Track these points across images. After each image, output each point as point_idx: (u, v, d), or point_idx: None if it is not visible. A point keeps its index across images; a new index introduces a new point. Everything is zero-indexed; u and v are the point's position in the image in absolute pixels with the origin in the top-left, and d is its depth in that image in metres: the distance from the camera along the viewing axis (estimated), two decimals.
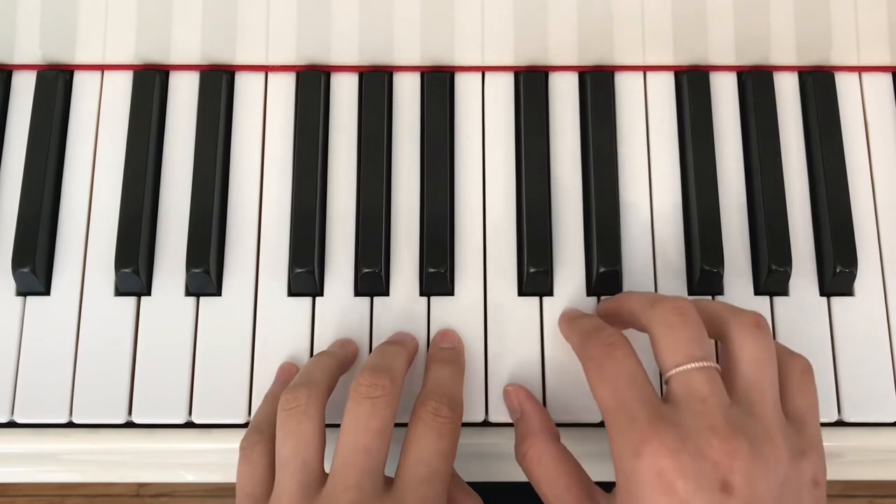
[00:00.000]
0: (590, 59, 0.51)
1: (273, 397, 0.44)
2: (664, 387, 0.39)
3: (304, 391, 0.41)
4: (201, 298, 0.48)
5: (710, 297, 0.48)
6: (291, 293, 0.48)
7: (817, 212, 0.49)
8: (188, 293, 0.48)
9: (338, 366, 0.44)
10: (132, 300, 0.47)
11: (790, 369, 0.40)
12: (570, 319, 0.46)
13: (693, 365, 0.38)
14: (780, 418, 0.38)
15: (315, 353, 0.47)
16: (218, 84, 0.50)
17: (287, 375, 0.46)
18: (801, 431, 0.39)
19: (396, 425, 0.40)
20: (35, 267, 0.47)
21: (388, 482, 0.40)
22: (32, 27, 0.50)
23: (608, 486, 0.40)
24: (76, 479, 0.48)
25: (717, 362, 0.39)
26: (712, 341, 0.41)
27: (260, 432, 0.43)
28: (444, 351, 0.46)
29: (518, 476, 0.45)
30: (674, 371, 0.38)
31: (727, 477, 0.35)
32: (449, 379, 0.44)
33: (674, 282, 0.48)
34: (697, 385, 0.37)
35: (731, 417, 0.37)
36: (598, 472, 0.42)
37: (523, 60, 0.51)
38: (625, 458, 0.37)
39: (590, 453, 0.44)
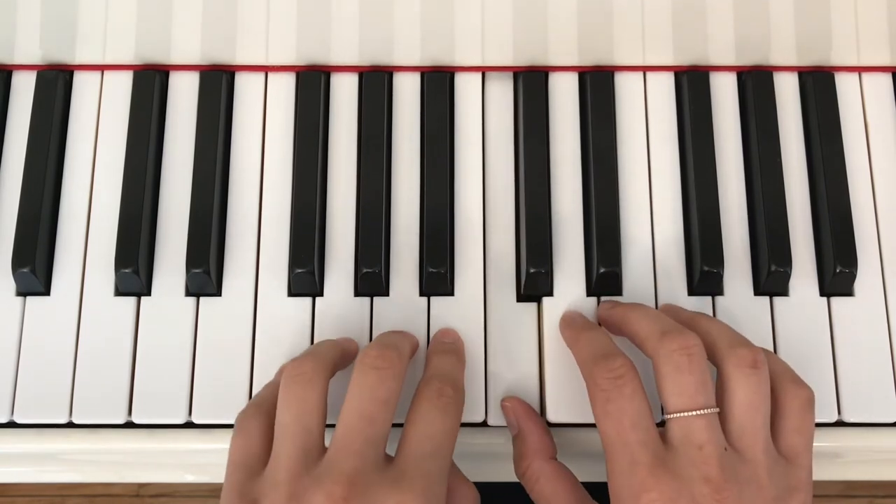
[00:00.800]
0: (590, 60, 0.51)
1: (274, 384, 0.44)
2: (664, 420, 0.40)
3: (310, 360, 0.41)
4: (201, 298, 0.48)
5: (709, 298, 0.48)
6: (291, 293, 0.48)
7: (817, 212, 0.49)
8: (188, 293, 0.48)
9: (341, 352, 0.44)
10: (132, 300, 0.47)
11: (790, 403, 0.41)
12: (573, 327, 0.46)
13: (694, 413, 0.39)
14: (771, 458, 0.40)
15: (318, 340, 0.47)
16: (218, 84, 0.50)
17: None
18: (791, 470, 0.40)
19: (394, 426, 0.40)
20: (35, 267, 0.47)
21: (390, 458, 0.40)
22: (32, 27, 0.50)
23: (604, 487, 0.40)
24: (76, 479, 0.48)
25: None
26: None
27: (258, 407, 0.42)
28: (445, 344, 0.46)
29: (516, 476, 0.45)
30: (675, 416, 0.39)
31: None
32: (450, 366, 0.44)
33: (674, 282, 0.48)
34: (697, 432, 0.39)
35: (725, 465, 0.38)
36: (597, 472, 0.42)
37: (523, 60, 0.51)
38: (624, 500, 0.39)
39: (588, 453, 0.44)
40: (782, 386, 0.41)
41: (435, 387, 0.41)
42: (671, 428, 0.39)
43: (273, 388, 0.43)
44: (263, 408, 0.42)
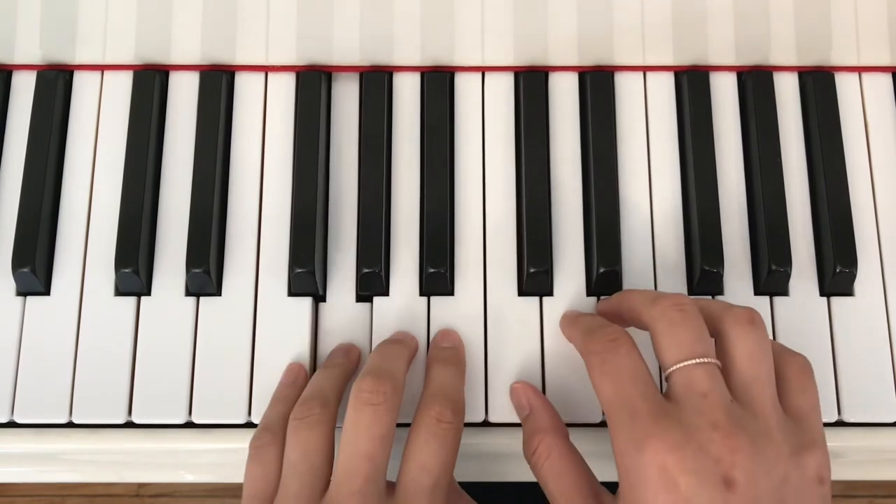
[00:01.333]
0: (590, 59, 0.51)
1: (282, 399, 0.44)
2: (665, 383, 0.39)
3: (318, 403, 0.42)
4: (201, 298, 0.48)
5: (709, 298, 0.48)
6: (291, 293, 0.48)
7: (817, 212, 0.49)
8: (188, 293, 0.48)
9: (345, 378, 0.45)
10: (132, 300, 0.47)
11: (789, 367, 0.41)
12: (571, 319, 0.46)
13: (694, 361, 0.38)
14: (780, 414, 0.38)
15: (316, 354, 0.47)
16: (218, 84, 0.50)
17: (293, 376, 0.46)
18: (802, 428, 0.39)
19: (397, 425, 0.40)
20: (35, 267, 0.47)
21: (391, 486, 0.40)
22: (32, 27, 0.50)
23: (611, 486, 0.40)
24: (76, 479, 0.48)
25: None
26: (712, 340, 0.41)
27: (272, 433, 0.43)
28: (445, 351, 0.46)
29: (517, 476, 0.45)
30: (675, 367, 0.38)
31: (729, 473, 0.35)
32: (451, 380, 0.44)
33: (674, 282, 0.48)
34: (698, 381, 0.38)
35: (733, 414, 0.37)
36: (600, 472, 0.42)
37: (523, 60, 0.51)
38: (627, 454, 0.37)
39: (591, 453, 0.44)
40: (779, 358, 0.41)
41: (435, 412, 0.41)
42: (672, 381, 0.38)
43: (282, 409, 0.44)
44: (277, 434, 0.43)
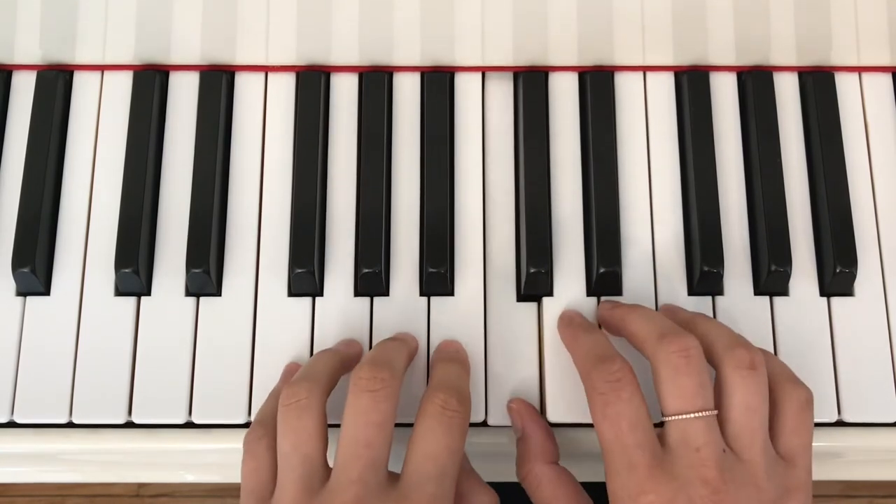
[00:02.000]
0: (590, 59, 0.51)
1: (277, 394, 0.44)
2: (663, 422, 0.40)
3: (304, 386, 0.41)
4: (201, 298, 0.48)
5: (709, 298, 0.48)
6: (291, 293, 0.48)
7: (817, 212, 0.49)
8: (188, 293, 0.48)
9: (340, 363, 0.44)
10: (132, 300, 0.47)
11: (788, 404, 0.41)
12: (571, 327, 0.46)
13: (692, 416, 0.39)
14: (769, 460, 0.40)
15: (317, 352, 0.47)
16: (218, 84, 0.50)
17: (291, 375, 0.45)
18: (790, 470, 0.40)
19: (398, 425, 0.40)
20: (35, 267, 0.47)
21: (394, 477, 0.40)
22: (32, 27, 0.50)
23: (605, 487, 0.40)
24: (76, 479, 0.48)
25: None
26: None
27: (264, 427, 0.42)
28: (449, 352, 0.46)
29: (517, 476, 0.45)
30: (673, 418, 0.39)
31: None
32: (456, 374, 0.44)
33: (674, 282, 0.48)
34: (694, 435, 0.39)
35: (723, 467, 0.38)
36: (598, 472, 0.42)
37: (523, 60, 0.51)
38: (622, 501, 0.39)
39: (588, 454, 0.44)
40: (780, 387, 0.41)
41: (440, 400, 0.40)
42: (669, 430, 0.39)
43: (275, 403, 0.43)
44: (269, 427, 0.42)
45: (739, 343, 0.41)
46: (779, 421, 0.41)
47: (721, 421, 0.40)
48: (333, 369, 0.43)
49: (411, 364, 0.46)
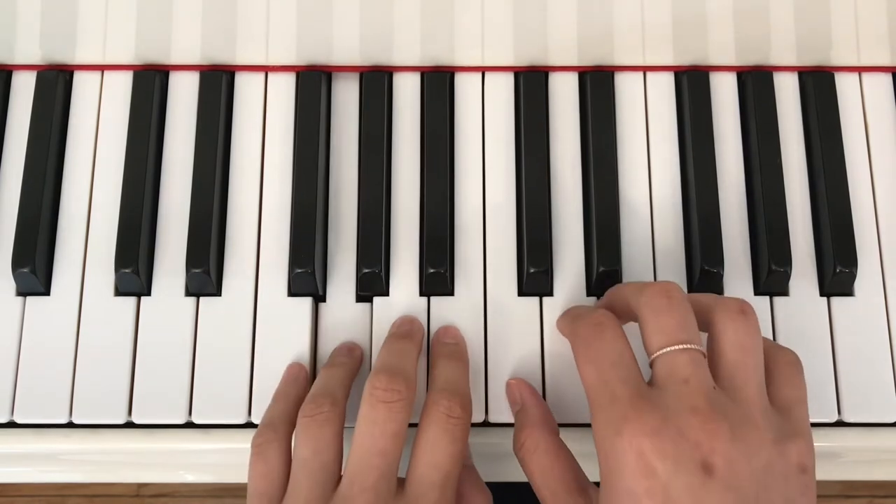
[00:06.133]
0: (590, 60, 0.51)
1: (283, 396, 0.45)
2: (649, 367, 0.39)
3: (328, 400, 0.42)
4: (201, 298, 0.48)
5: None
6: (291, 293, 0.48)
7: (817, 212, 0.49)
8: (188, 293, 0.48)
9: (350, 377, 0.45)
10: (132, 300, 0.47)
11: (778, 361, 0.40)
12: (567, 314, 0.46)
13: (677, 347, 0.38)
14: (765, 402, 0.38)
15: (316, 354, 0.47)
16: (218, 84, 0.50)
17: (293, 375, 0.46)
18: (787, 419, 0.38)
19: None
20: (35, 267, 0.47)
21: (400, 482, 0.40)
22: (32, 27, 0.50)
23: None
24: (76, 479, 0.48)
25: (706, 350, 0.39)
26: (700, 332, 0.40)
27: (275, 430, 0.43)
28: (449, 346, 0.46)
29: (517, 476, 0.45)
30: (658, 353, 0.38)
31: (708, 458, 0.35)
32: (457, 375, 0.44)
33: (674, 282, 0.48)
34: (680, 367, 0.37)
35: (713, 399, 0.36)
36: (598, 473, 0.42)
37: (523, 60, 0.51)
38: (606, 438, 0.37)
39: (589, 453, 0.44)
40: (770, 351, 0.41)
41: (444, 407, 0.41)
42: (655, 367, 0.38)
43: (286, 406, 0.44)
44: (280, 431, 0.43)
45: (729, 297, 0.41)
46: (771, 376, 0.40)
47: (715, 361, 0.39)
48: (347, 385, 0.44)
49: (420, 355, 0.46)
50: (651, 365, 0.39)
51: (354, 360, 0.46)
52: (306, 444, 0.41)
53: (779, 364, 0.40)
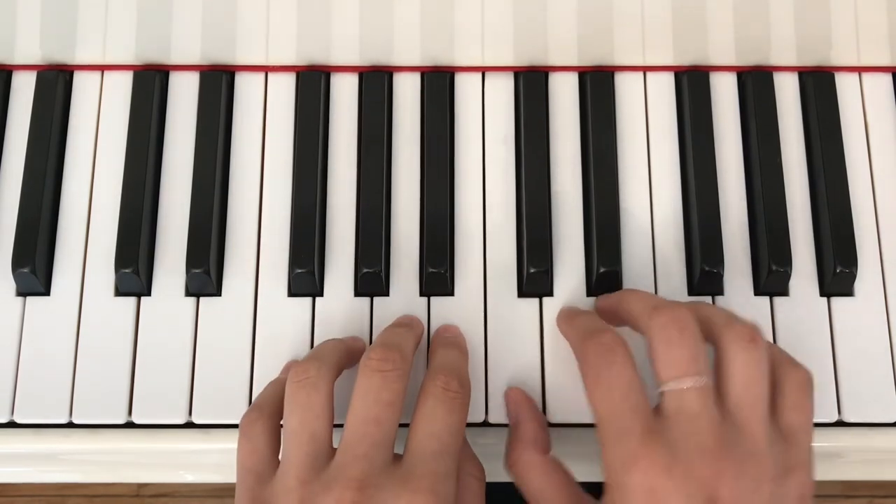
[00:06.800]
0: (590, 60, 0.51)
1: (277, 382, 0.44)
2: (658, 396, 0.39)
3: (314, 364, 0.41)
4: (201, 298, 0.48)
5: (709, 298, 0.48)
6: (291, 293, 0.48)
7: (817, 212, 0.49)
8: (188, 293, 0.48)
9: (346, 351, 0.44)
10: (132, 300, 0.47)
11: (788, 382, 0.40)
12: (568, 317, 0.46)
13: (687, 383, 0.38)
14: (769, 435, 0.38)
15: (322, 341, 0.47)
16: (218, 84, 0.50)
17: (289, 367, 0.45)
18: (790, 448, 0.39)
19: (401, 425, 0.40)
20: (35, 267, 0.47)
21: (398, 457, 0.40)
22: (32, 27, 0.50)
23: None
24: (76, 479, 0.48)
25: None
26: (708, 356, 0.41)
27: (260, 410, 0.42)
28: (448, 338, 0.46)
29: None
30: (668, 387, 0.39)
31: (714, 494, 0.36)
32: (455, 357, 0.44)
33: (674, 282, 0.48)
34: (690, 403, 0.38)
35: (721, 436, 0.37)
36: (597, 472, 0.42)
37: (523, 60, 0.51)
38: (616, 471, 0.38)
39: (589, 454, 0.44)
40: (780, 368, 0.41)
41: (441, 381, 0.41)
42: (664, 400, 0.39)
43: (275, 388, 0.43)
44: (266, 411, 0.42)
45: (739, 319, 0.41)
46: (779, 398, 0.40)
47: (721, 394, 0.39)
48: (341, 355, 0.43)
49: (418, 347, 0.45)
50: (659, 394, 0.39)
51: (355, 344, 0.45)
52: (294, 414, 0.40)
53: (790, 382, 0.40)
